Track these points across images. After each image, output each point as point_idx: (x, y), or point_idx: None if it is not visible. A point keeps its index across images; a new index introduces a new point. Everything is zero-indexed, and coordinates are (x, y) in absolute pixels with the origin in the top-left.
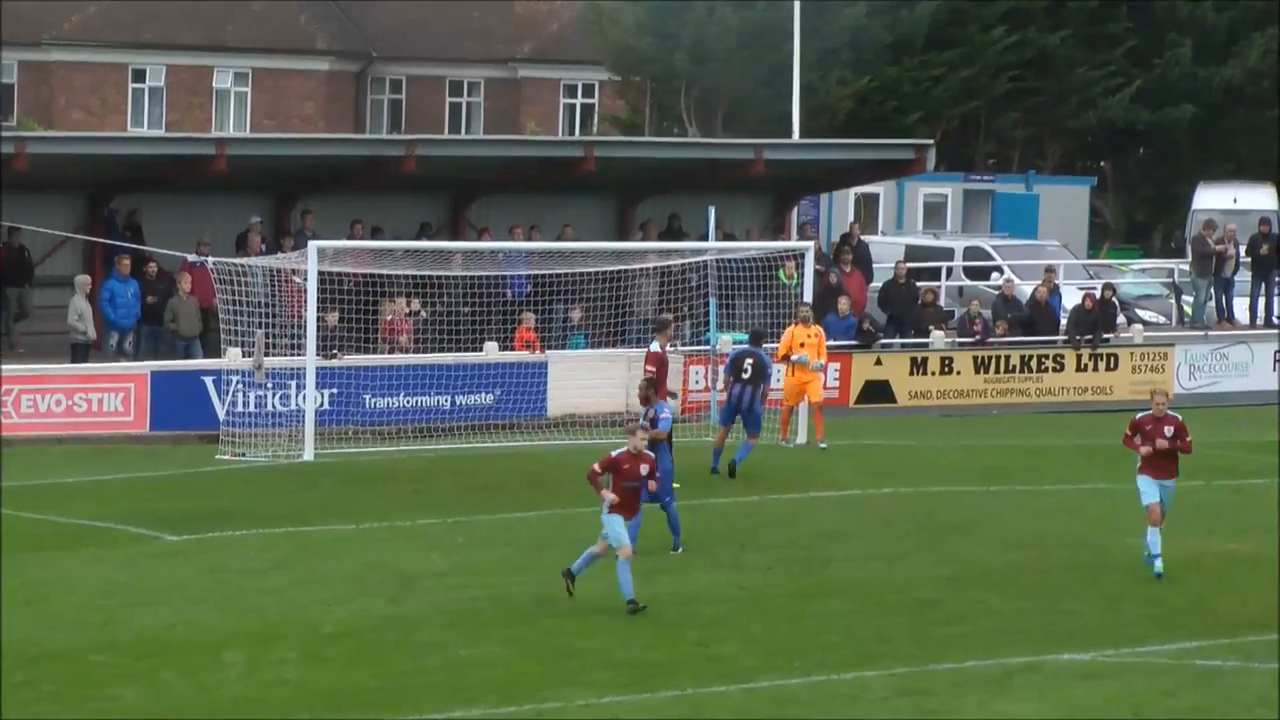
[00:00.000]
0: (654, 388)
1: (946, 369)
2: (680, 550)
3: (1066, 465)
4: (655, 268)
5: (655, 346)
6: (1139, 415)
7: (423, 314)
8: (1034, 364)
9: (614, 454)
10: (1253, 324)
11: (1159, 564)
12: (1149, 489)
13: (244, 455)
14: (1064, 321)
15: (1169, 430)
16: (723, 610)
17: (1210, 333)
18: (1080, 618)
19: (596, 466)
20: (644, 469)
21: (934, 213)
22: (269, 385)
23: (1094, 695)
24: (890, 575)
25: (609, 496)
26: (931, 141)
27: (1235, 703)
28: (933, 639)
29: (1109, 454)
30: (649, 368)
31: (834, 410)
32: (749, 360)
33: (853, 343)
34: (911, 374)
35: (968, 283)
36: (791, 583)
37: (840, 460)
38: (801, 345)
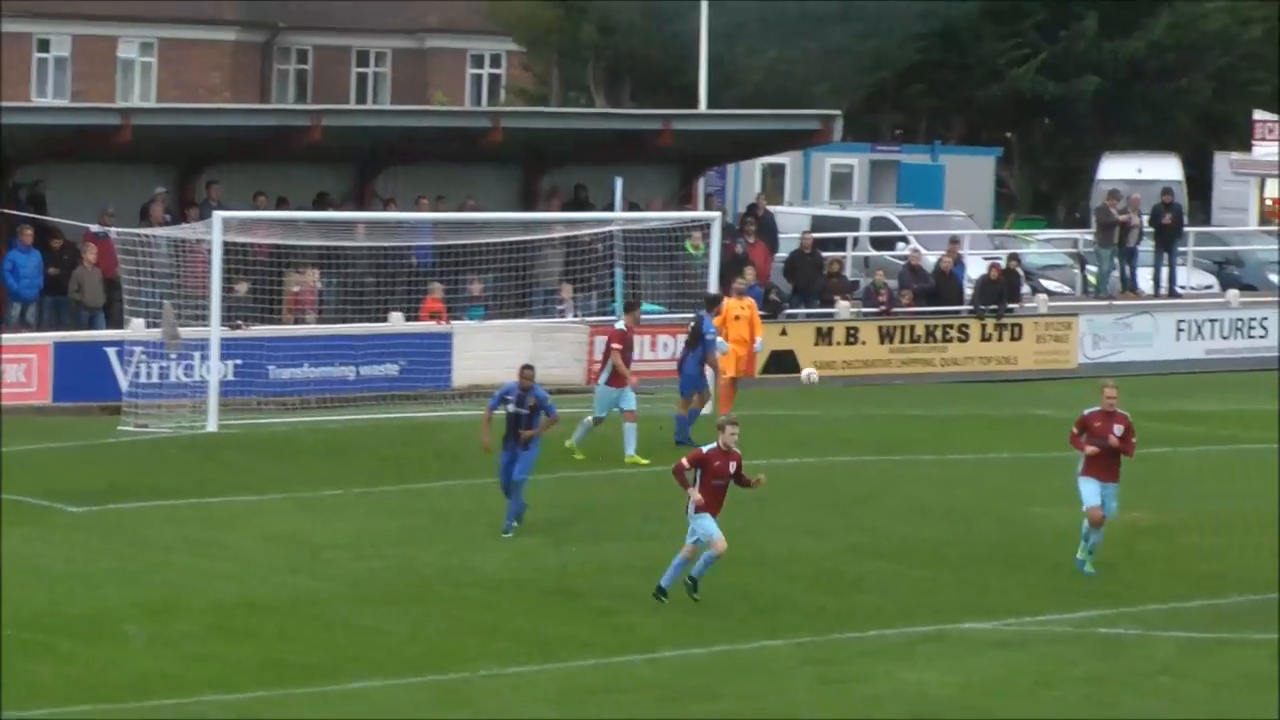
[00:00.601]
0: (534, 373)
1: (852, 339)
2: (510, 535)
3: (971, 435)
4: (561, 238)
5: (621, 325)
6: (1087, 411)
7: (318, 285)
8: (939, 334)
9: (704, 450)
10: (1156, 293)
11: (1090, 563)
12: (1090, 493)
13: (147, 426)
14: (969, 291)
15: (1118, 429)
16: (629, 581)
17: (1114, 302)
18: (983, 587)
19: (685, 462)
20: (733, 466)
21: (840, 183)
22: (174, 357)
23: (997, 664)
24: (795, 545)
25: (695, 496)
26: (838, 112)
27: (1137, 671)
28: (837, 608)
29: (1013, 424)
30: (615, 345)
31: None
32: (692, 324)
33: (758, 313)
34: (817, 344)
35: (873, 253)
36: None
37: (746, 431)
38: (736, 318)
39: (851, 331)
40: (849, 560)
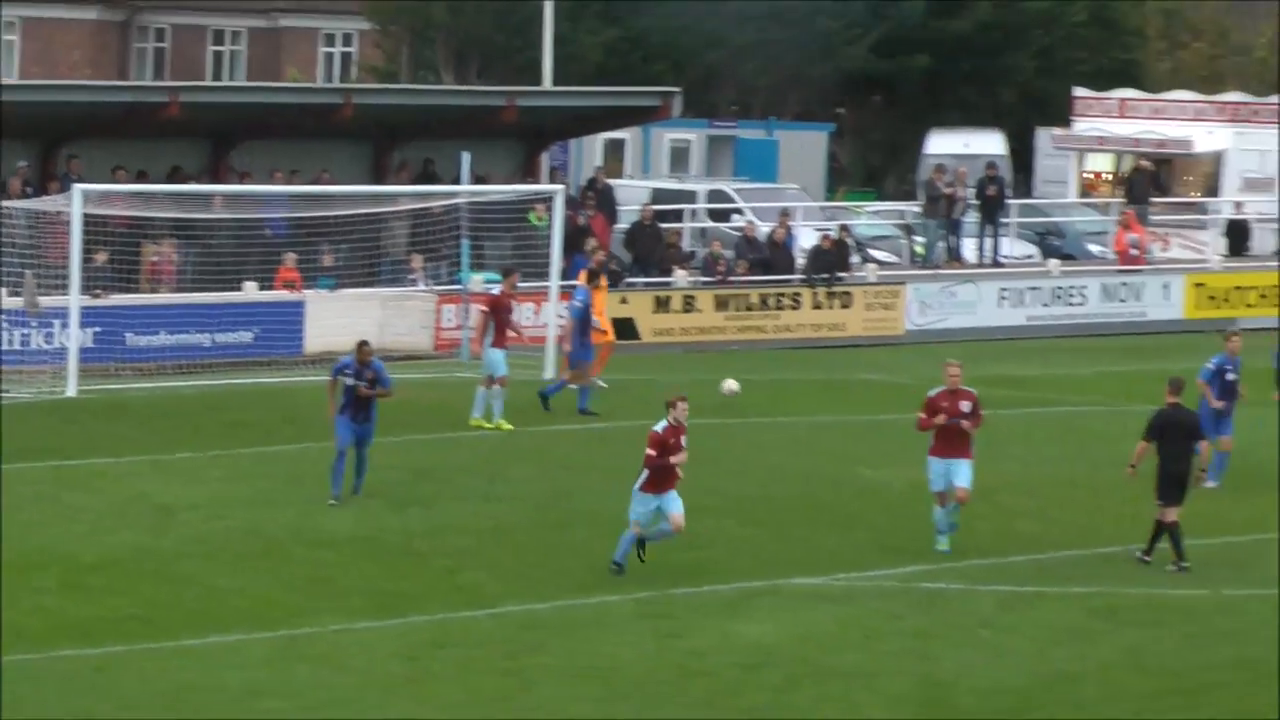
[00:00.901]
0: (371, 348)
1: (689, 307)
2: (357, 495)
3: (801, 399)
4: (410, 210)
5: (496, 290)
6: (932, 393)
7: (175, 256)
8: (772, 302)
9: (659, 430)
10: (980, 263)
11: (944, 541)
12: (936, 475)
13: (8, 392)
14: (801, 261)
15: (966, 405)
16: (471, 541)
17: (940, 271)
18: (813, 544)
19: (652, 451)
20: (683, 440)
21: (679, 158)
22: (35, 325)
23: (827, 618)
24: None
25: (679, 459)
26: (677, 89)
27: (959, 625)
28: (671, 564)
29: (843, 388)
30: (482, 307)
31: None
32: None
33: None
34: (655, 312)
35: (710, 224)
36: (537, 513)
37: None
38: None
39: (689, 300)
40: (685, 518)
